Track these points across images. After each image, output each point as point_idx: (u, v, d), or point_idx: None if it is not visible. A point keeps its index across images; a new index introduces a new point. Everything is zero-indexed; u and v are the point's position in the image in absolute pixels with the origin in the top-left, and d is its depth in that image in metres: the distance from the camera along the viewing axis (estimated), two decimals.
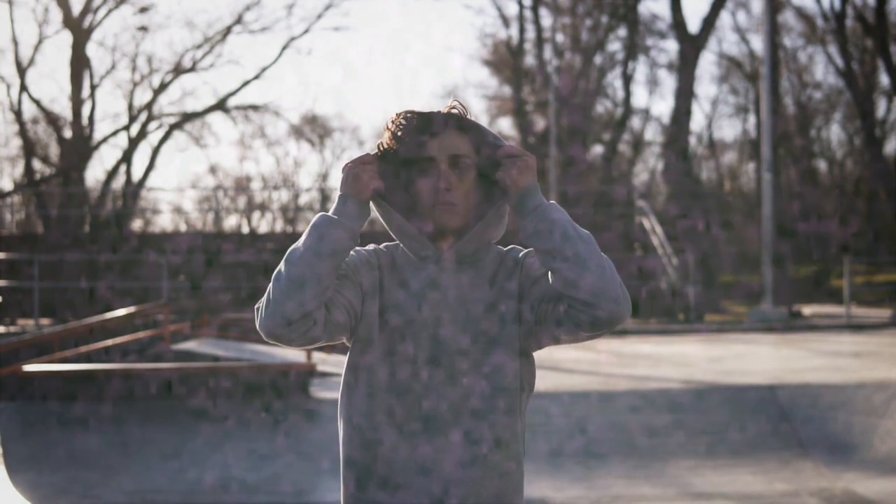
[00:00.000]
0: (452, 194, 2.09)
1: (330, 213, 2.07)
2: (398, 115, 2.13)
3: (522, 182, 2.06)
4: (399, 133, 2.12)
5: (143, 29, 30.43)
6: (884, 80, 33.42)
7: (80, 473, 7.07)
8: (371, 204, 2.14)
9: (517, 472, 2.13)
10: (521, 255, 2.16)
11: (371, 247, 2.20)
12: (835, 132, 52.28)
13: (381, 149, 2.15)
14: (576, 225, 2.03)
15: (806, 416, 7.64)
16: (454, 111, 2.13)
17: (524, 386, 2.13)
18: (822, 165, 47.03)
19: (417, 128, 2.11)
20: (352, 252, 2.14)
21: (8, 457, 7.28)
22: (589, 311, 1.96)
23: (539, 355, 2.16)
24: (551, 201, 2.08)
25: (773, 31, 20.43)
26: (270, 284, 2.01)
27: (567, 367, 10.30)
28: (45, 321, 17.63)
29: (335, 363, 9.72)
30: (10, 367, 8.73)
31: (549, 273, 2.01)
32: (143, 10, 29.81)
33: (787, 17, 39.29)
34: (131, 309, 11.68)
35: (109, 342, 10.71)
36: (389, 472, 2.06)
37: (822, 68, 52.70)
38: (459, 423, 2.06)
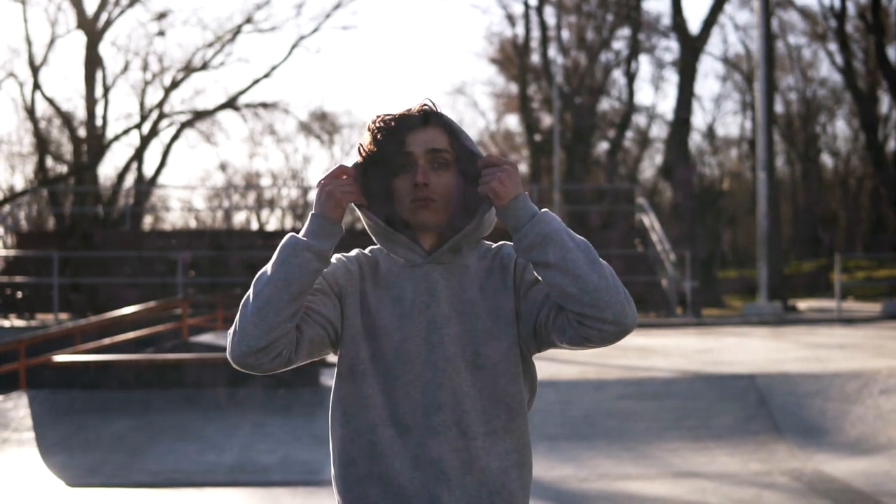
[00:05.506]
0: (430, 189, 1.98)
1: (300, 235, 1.96)
2: (376, 117, 2.05)
3: (506, 194, 1.92)
4: (378, 135, 2.03)
5: (161, 34, 30.92)
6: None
7: (107, 455, 7.50)
8: (360, 211, 2.07)
9: (524, 462, 2.04)
10: (512, 252, 2.06)
11: (354, 252, 2.11)
12: (840, 128, 52.53)
13: (363, 154, 2.06)
14: (572, 233, 1.92)
15: (783, 403, 8.04)
16: (426, 108, 2.04)
17: (525, 387, 2.05)
18: (827, 161, 47.29)
19: (395, 127, 2.02)
20: (332, 259, 2.06)
21: (41, 441, 7.78)
22: (594, 324, 1.86)
23: None
24: (543, 210, 1.96)
25: (769, 35, 20.85)
26: (238, 312, 1.93)
27: (563, 357, 10.70)
28: (63, 316, 18.15)
29: None
30: (41, 357, 9.26)
31: (549, 286, 1.91)
32: (161, 15, 30.31)
33: (791, 15, 39.63)
34: (152, 304, 12.22)
35: (132, 335, 11.23)
36: (387, 470, 1.98)
37: (827, 64, 52.90)
38: (458, 426, 1.97)
